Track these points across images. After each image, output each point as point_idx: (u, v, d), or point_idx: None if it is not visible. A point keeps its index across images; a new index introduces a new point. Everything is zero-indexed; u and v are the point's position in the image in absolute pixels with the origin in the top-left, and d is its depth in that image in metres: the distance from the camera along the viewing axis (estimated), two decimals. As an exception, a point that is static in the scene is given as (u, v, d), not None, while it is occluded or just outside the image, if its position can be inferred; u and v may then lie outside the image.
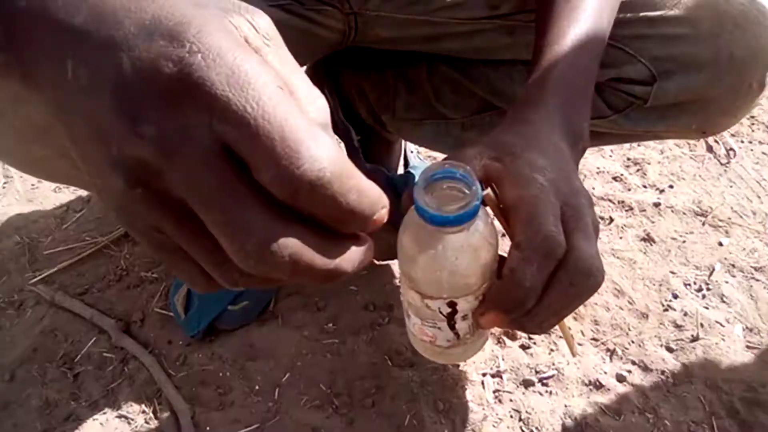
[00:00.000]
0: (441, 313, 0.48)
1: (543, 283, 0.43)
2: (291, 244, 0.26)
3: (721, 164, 1.26)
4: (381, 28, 0.79)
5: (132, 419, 0.81)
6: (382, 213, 0.28)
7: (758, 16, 0.67)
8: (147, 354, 0.87)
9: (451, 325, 0.49)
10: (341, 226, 0.28)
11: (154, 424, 0.81)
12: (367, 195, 0.27)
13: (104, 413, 0.82)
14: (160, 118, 0.25)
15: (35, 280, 0.96)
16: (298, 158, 0.25)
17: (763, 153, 1.28)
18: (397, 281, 0.98)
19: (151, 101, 0.25)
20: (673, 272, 1.02)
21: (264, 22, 0.30)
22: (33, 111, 0.46)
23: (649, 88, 0.72)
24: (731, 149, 1.28)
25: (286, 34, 0.76)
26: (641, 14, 0.70)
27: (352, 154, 1.05)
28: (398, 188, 1.03)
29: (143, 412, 0.82)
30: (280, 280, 0.28)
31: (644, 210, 1.13)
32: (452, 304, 0.47)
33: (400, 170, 1.09)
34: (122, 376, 0.86)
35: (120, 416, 0.81)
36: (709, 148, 1.29)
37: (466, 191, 0.42)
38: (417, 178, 0.42)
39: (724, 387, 0.89)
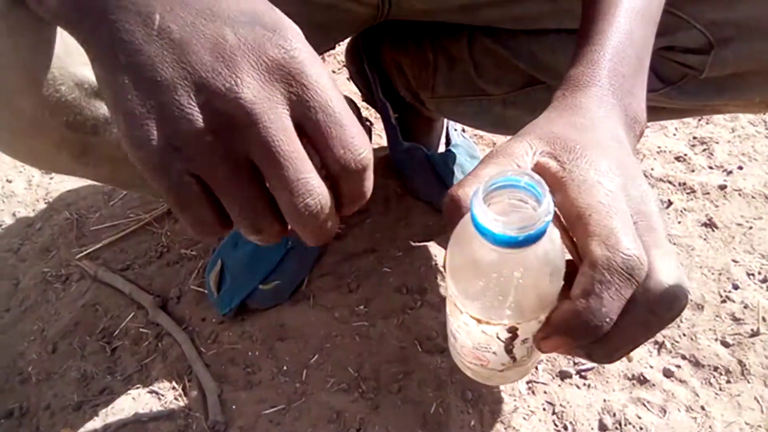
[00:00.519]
0: (499, 338, 0.42)
1: (620, 310, 0.37)
2: (331, 207, 0.33)
3: (800, 143, 1.15)
4: (416, 0, 0.76)
5: (162, 395, 0.83)
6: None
7: None
8: (180, 331, 0.88)
9: (509, 350, 0.43)
10: (348, 203, 0.35)
11: (183, 400, 0.82)
12: (372, 180, 0.35)
13: (137, 388, 0.84)
14: (257, 86, 0.31)
15: (81, 255, 0.99)
16: (359, 147, 0.33)
17: None
18: (432, 263, 0.95)
19: (252, 71, 0.31)
20: (735, 261, 0.94)
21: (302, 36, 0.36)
22: (26, 104, 0.46)
23: (706, 57, 0.64)
24: (813, 126, 1.17)
25: (318, 13, 0.73)
26: None
27: (389, 132, 1.03)
28: (437, 167, 1.00)
29: (173, 388, 0.83)
30: (293, 233, 0.35)
31: (708, 193, 1.05)
32: (513, 330, 0.40)
33: (442, 148, 1.05)
34: (156, 351, 0.87)
35: (151, 391, 0.83)
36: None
37: (530, 201, 0.36)
38: (474, 191, 0.35)
39: (785, 387, 0.82)
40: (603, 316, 0.37)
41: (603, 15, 0.48)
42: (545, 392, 0.81)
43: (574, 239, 0.39)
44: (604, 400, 0.80)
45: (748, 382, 0.82)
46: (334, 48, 1.29)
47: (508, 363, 0.44)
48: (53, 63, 0.45)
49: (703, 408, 0.80)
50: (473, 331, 0.42)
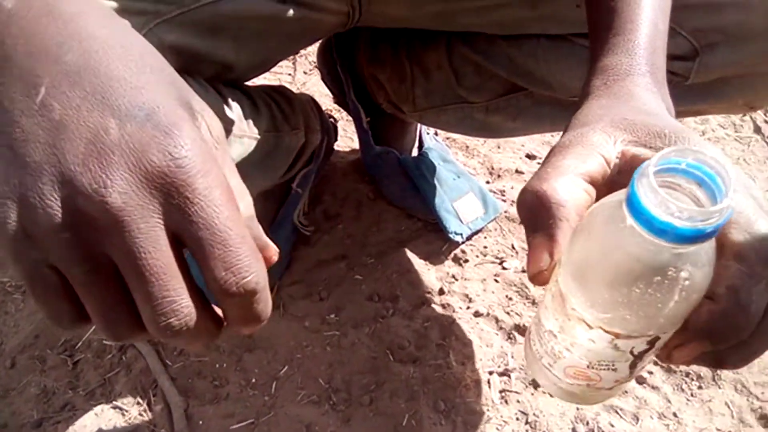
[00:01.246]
0: (632, 353, 0.36)
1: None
2: (200, 328, 0.30)
3: (769, 145, 1.15)
4: (389, 7, 0.73)
5: (126, 410, 0.80)
6: None
7: None
8: (145, 343, 0.85)
9: (633, 365, 0.37)
10: (234, 325, 0.32)
11: (147, 416, 0.80)
12: (269, 303, 0.32)
13: (100, 403, 0.81)
14: (130, 192, 0.28)
15: (41, 264, 0.96)
16: (244, 270, 0.29)
17: (818, 133, 1.17)
18: (404, 270, 0.93)
19: (127, 174, 0.28)
20: (706, 265, 0.95)
21: (217, 126, 0.34)
22: None
23: (691, 64, 0.64)
24: (782, 129, 1.18)
25: (287, 25, 0.71)
26: None
27: (361, 136, 1.01)
28: (410, 172, 0.98)
29: (138, 403, 0.81)
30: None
31: (679, 196, 1.05)
32: (654, 341, 0.35)
33: (415, 152, 1.04)
34: (120, 365, 0.85)
35: (115, 407, 0.80)
36: (757, 129, 1.19)
37: (685, 185, 0.31)
38: (639, 175, 0.29)
39: (755, 392, 0.83)
40: (754, 314, 0.33)
41: (628, 5, 0.47)
42: (518, 401, 0.80)
43: None
44: (577, 409, 0.80)
45: (719, 388, 0.83)
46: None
47: (623, 378, 0.39)
48: None
49: (675, 414, 0.80)
50: (600, 348, 0.36)
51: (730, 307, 0.33)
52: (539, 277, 0.37)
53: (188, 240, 0.29)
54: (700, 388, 0.83)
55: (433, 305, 0.89)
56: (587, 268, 0.34)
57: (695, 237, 0.29)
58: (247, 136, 0.69)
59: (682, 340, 0.35)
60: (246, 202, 0.34)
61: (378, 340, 0.86)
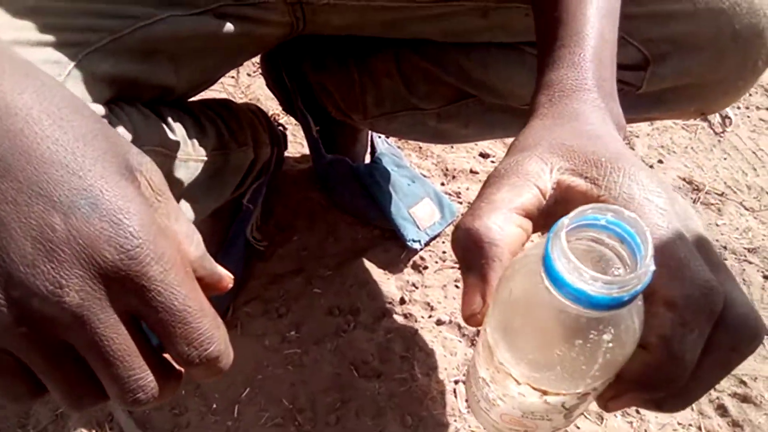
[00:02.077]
0: (563, 407, 0.35)
1: (700, 352, 0.32)
2: (163, 391, 0.31)
3: (716, 134, 1.18)
4: (333, 16, 0.71)
5: (81, 447, 0.77)
6: None
7: None
8: (98, 373, 0.82)
9: (568, 415, 0.37)
10: (199, 379, 0.32)
11: (104, 451, 0.77)
12: (231, 356, 0.32)
13: (52, 441, 0.77)
14: (87, 288, 0.28)
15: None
16: (205, 343, 0.30)
17: (761, 119, 1.20)
18: (363, 280, 0.91)
19: (81, 271, 0.27)
20: (660, 257, 0.96)
21: (157, 177, 0.33)
22: None
23: (642, 73, 0.63)
24: (727, 117, 1.20)
25: (230, 40, 0.67)
26: None
27: (311, 144, 0.99)
28: (363, 179, 0.96)
29: (93, 438, 0.77)
30: None
31: (631, 188, 1.06)
32: (585, 396, 0.34)
33: (367, 158, 1.02)
34: (71, 398, 0.81)
35: (68, 444, 0.77)
36: (703, 117, 1.21)
37: (607, 240, 0.30)
38: (552, 236, 0.28)
39: (713, 383, 0.84)
40: (688, 364, 0.32)
41: (573, 16, 0.45)
42: (485, 409, 0.80)
43: None
44: (543, 413, 0.80)
45: (679, 381, 0.84)
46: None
47: (560, 426, 0.39)
48: None
49: (638, 411, 0.81)
50: (531, 402, 0.35)
51: (663, 357, 0.32)
52: (472, 320, 0.35)
53: (148, 321, 0.30)
54: (660, 382, 0.84)
55: (394, 316, 0.88)
56: (510, 325, 0.33)
57: (611, 305, 0.27)
58: (192, 159, 0.66)
59: (617, 392, 0.35)
60: (196, 242, 0.34)
61: (341, 356, 0.84)
